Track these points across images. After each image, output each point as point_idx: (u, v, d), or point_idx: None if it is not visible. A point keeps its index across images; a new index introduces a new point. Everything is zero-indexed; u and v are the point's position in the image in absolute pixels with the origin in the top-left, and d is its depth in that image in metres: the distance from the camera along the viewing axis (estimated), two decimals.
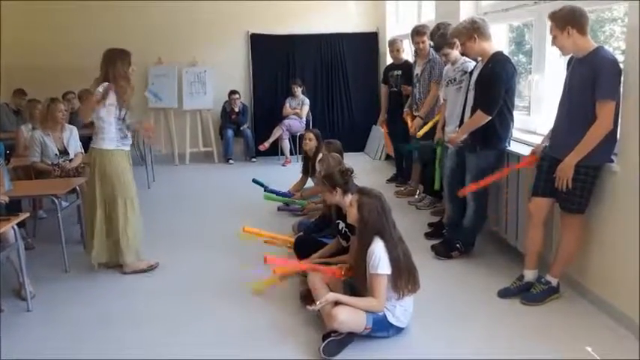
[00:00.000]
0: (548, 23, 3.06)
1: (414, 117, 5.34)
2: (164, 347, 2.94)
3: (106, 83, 3.69)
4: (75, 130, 5.11)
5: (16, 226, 3.33)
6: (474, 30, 3.60)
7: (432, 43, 5.05)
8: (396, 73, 5.90)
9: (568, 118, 3.08)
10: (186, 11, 8.02)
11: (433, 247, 4.11)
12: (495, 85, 3.56)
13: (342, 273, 3.11)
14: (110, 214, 3.81)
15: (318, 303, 2.80)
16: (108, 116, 3.73)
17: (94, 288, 3.73)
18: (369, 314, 2.80)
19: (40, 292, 3.61)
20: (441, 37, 4.42)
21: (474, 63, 4.12)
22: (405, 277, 2.82)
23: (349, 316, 2.76)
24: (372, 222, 2.83)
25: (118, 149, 3.78)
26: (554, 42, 3.04)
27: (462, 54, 4.45)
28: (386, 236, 2.82)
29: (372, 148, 8.20)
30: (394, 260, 2.79)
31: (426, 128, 5.04)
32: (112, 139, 3.75)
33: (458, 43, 4.38)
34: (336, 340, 2.77)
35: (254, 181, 5.35)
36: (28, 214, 3.65)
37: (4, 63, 7.42)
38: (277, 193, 5.43)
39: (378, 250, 2.78)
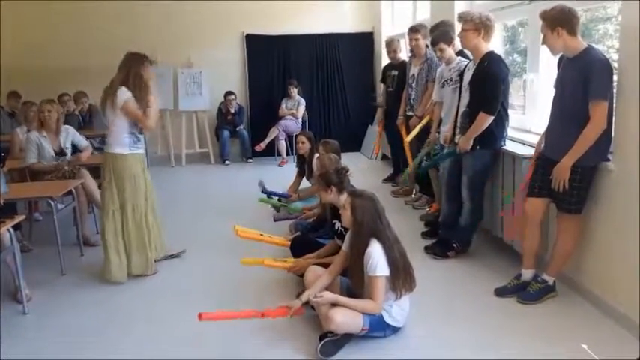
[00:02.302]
0: (539, 22, 3.07)
1: (408, 122, 5.31)
2: (161, 348, 2.94)
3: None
4: (71, 129, 5.09)
5: (12, 229, 3.32)
6: (483, 25, 3.58)
7: (428, 43, 5.04)
8: (393, 73, 5.88)
9: (561, 118, 3.08)
10: (181, 12, 8.00)
11: (429, 247, 4.11)
12: (494, 84, 3.57)
13: (290, 313, 2.87)
14: (125, 218, 3.79)
15: (310, 293, 2.82)
16: (121, 122, 3.71)
17: (90, 290, 3.73)
18: (365, 315, 2.80)
19: (37, 294, 3.60)
20: (440, 33, 4.41)
21: (467, 62, 4.13)
22: (402, 276, 2.82)
23: (346, 317, 2.76)
24: (367, 224, 2.82)
25: (131, 154, 3.76)
26: (544, 41, 3.05)
27: (458, 53, 4.46)
28: (382, 237, 2.82)
29: (368, 148, 8.20)
30: (392, 261, 2.79)
31: (414, 133, 5.02)
32: (124, 144, 3.72)
33: (454, 42, 4.39)
34: (332, 340, 2.78)
35: (263, 190, 5.26)
36: (24, 217, 3.65)
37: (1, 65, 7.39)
38: (276, 194, 5.42)
39: (376, 252, 2.78)
